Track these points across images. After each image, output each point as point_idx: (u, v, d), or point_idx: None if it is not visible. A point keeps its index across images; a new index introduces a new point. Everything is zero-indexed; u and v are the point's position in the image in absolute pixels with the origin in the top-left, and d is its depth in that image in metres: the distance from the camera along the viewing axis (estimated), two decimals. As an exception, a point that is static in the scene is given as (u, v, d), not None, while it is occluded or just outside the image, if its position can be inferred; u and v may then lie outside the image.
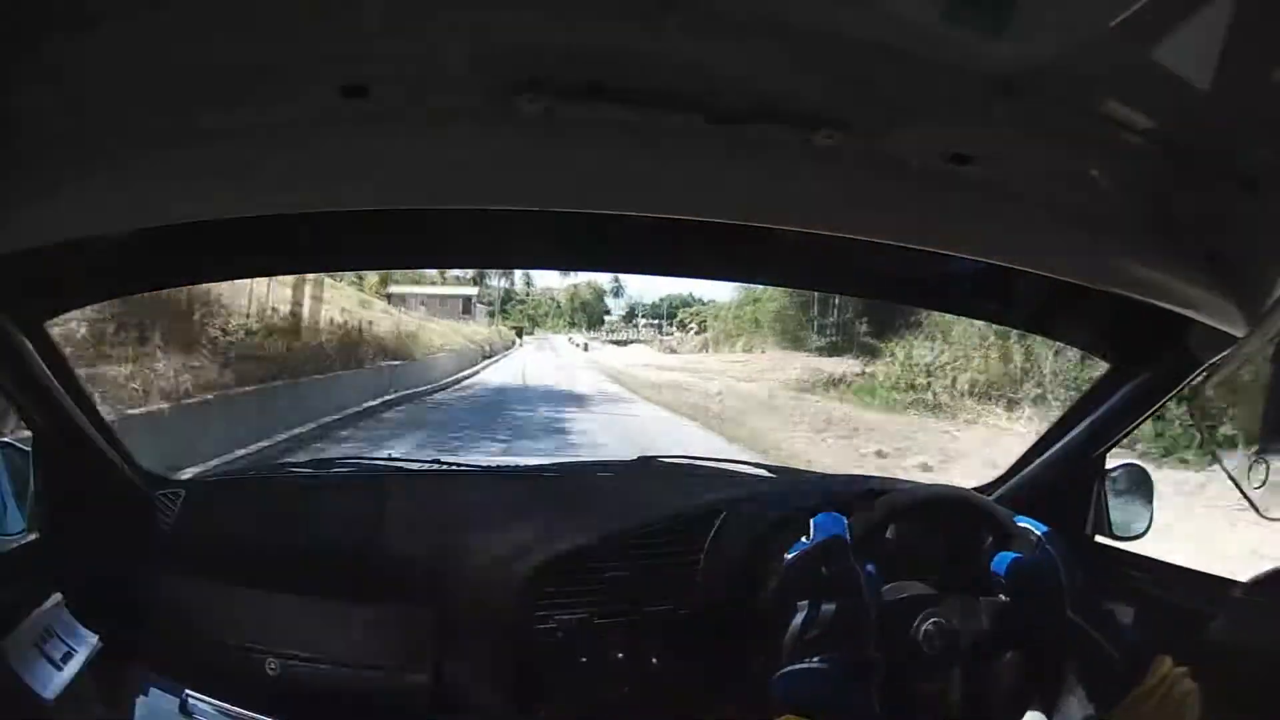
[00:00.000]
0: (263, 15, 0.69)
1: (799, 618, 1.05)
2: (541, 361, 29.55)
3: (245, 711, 1.31)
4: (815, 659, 1.02)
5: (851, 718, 1.00)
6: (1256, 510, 0.75)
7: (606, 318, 55.81)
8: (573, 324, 54.37)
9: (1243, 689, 1.03)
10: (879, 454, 9.76)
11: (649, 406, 14.85)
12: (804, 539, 1.11)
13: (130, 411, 6.48)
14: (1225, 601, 1.08)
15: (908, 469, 8.37)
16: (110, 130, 0.79)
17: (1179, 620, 1.23)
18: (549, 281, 57.44)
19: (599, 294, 54.56)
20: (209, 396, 7.87)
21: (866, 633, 1.04)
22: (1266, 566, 0.92)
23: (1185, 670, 0.98)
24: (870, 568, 1.10)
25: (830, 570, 1.07)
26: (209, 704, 1.30)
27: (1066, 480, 1.51)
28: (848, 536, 1.10)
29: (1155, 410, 1.38)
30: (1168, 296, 0.94)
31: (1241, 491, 0.75)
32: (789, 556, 1.10)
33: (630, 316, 52.63)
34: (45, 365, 1.20)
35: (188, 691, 1.30)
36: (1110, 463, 1.51)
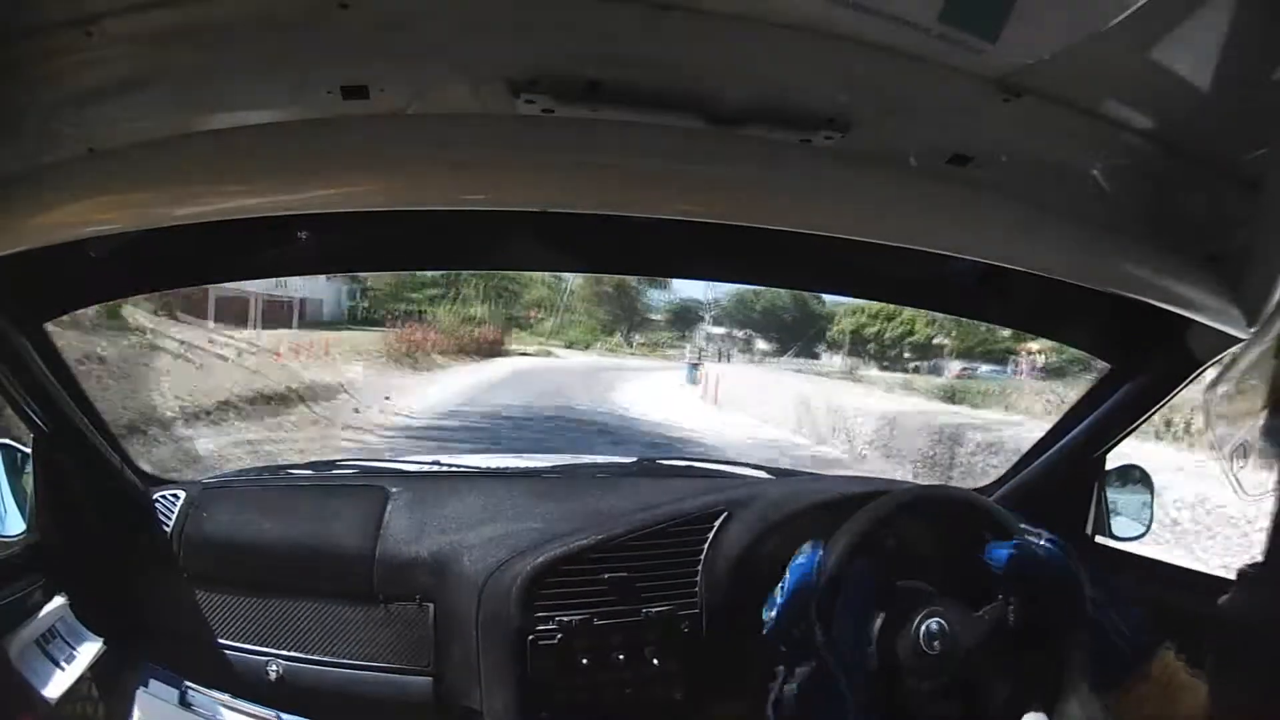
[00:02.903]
0: (263, 16, 0.69)
1: (788, 688, 1.06)
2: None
3: (244, 704, 1.31)
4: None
5: None
6: (1237, 488, 0.77)
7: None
8: (599, 328, 30.29)
9: (1243, 686, 1.03)
10: None
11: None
12: (779, 590, 1.12)
13: None
14: (1224, 601, 1.08)
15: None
16: (110, 130, 0.79)
17: (1179, 620, 1.23)
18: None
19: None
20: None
21: (858, 682, 1.04)
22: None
23: (1183, 662, 0.99)
24: (856, 598, 1.10)
25: (804, 630, 1.08)
26: (208, 696, 1.31)
27: (1066, 480, 1.51)
28: (819, 579, 1.11)
29: (1155, 410, 1.38)
30: (1168, 297, 0.94)
31: (1227, 471, 0.77)
32: (767, 618, 1.12)
33: (682, 322, 29.53)
34: (45, 365, 1.20)
35: (187, 683, 1.31)
36: (1110, 463, 1.51)
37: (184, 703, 1.30)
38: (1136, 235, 0.94)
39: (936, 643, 1.10)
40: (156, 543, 1.41)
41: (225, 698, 1.32)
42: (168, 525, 1.41)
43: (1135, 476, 1.54)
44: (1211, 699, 0.88)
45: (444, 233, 1.23)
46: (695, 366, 21.93)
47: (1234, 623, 0.85)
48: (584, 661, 1.25)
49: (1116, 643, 1.07)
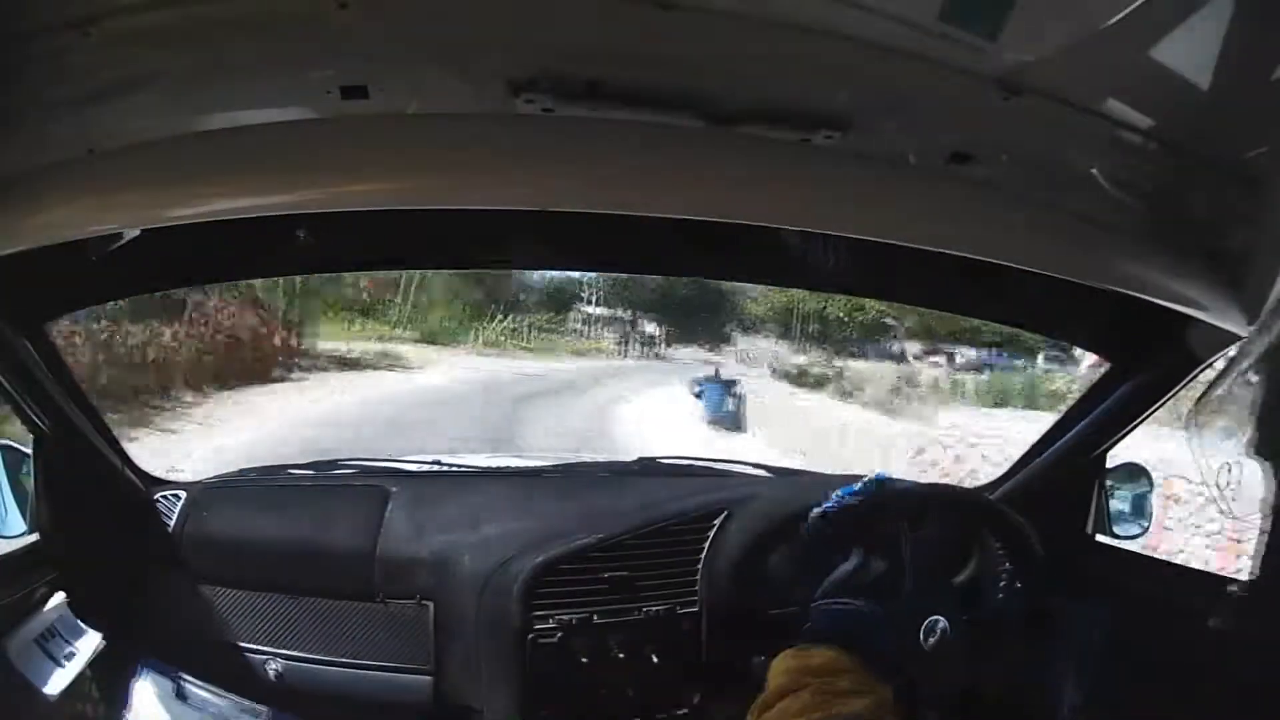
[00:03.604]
0: (263, 16, 0.69)
1: (851, 562, 1.07)
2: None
3: (238, 698, 1.32)
4: (860, 600, 1.04)
5: (890, 659, 1.02)
6: (1224, 509, 0.76)
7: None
8: (471, 311, 16.83)
9: (1241, 686, 1.03)
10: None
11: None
12: (839, 493, 1.13)
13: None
14: (1224, 600, 1.09)
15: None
16: (110, 130, 0.79)
17: (1179, 620, 1.23)
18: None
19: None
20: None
21: (907, 583, 1.07)
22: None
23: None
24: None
25: (878, 524, 1.10)
26: (203, 689, 1.31)
27: (1066, 480, 1.52)
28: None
29: (1156, 409, 1.38)
30: (1168, 296, 0.94)
31: (1213, 488, 0.77)
32: (839, 497, 1.13)
33: (561, 302, 18.12)
34: (45, 365, 1.20)
35: (182, 676, 1.31)
36: (1110, 462, 1.51)
37: (180, 696, 1.31)
38: (1136, 233, 0.94)
39: (933, 640, 1.10)
40: (157, 542, 1.41)
41: (219, 691, 1.32)
42: (168, 525, 1.41)
43: (1135, 476, 1.54)
44: (1211, 703, 0.88)
45: (444, 233, 1.23)
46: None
47: (1232, 631, 0.85)
48: (584, 660, 1.25)
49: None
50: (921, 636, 1.11)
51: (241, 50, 0.73)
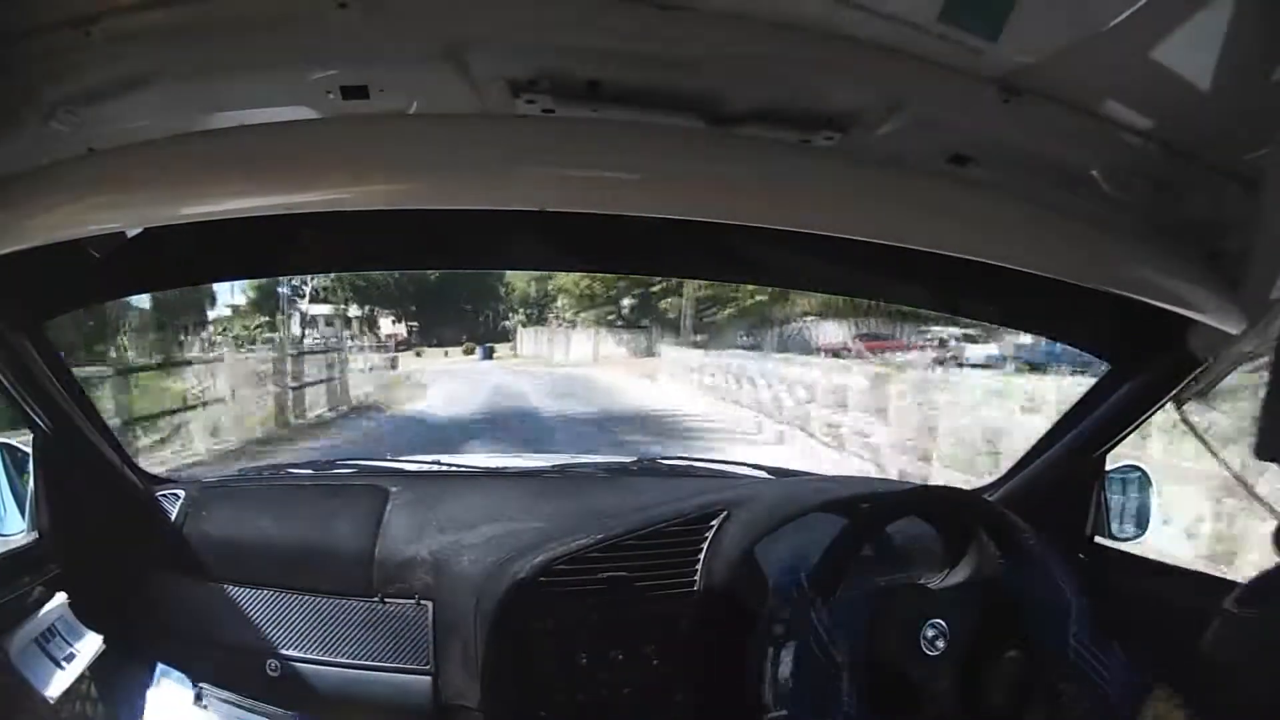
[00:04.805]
0: (263, 16, 0.69)
1: (766, 669, 1.07)
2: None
3: (257, 703, 1.32)
4: (783, 711, 1.03)
5: None
6: (1257, 499, 0.76)
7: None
8: None
9: (1241, 688, 1.03)
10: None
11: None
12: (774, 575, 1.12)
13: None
14: (1225, 601, 1.09)
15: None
16: (110, 130, 0.79)
17: (1178, 620, 1.23)
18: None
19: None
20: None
21: (832, 679, 1.04)
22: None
23: (1179, 704, 0.98)
24: (837, 608, 1.10)
25: (788, 622, 1.08)
26: (223, 696, 1.31)
27: (1066, 480, 1.51)
28: (804, 581, 1.10)
29: (1155, 410, 1.38)
30: (1168, 296, 0.94)
31: (1242, 483, 0.77)
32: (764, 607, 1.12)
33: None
34: (45, 365, 1.20)
35: (202, 685, 1.31)
36: (1110, 463, 1.51)
37: (198, 702, 1.31)
38: (1136, 235, 0.94)
39: (941, 642, 1.10)
40: (156, 542, 1.41)
41: (238, 698, 1.33)
42: (168, 524, 1.41)
43: (1135, 476, 1.54)
44: (1212, 706, 0.88)
45: (444, 233, 1.23)
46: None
47: (1232, 631, 0.85)
48: (583, 661, 1.25)
49: (1100, 686, 1.08)
50: (920, 640, 1.11)
51: (241, 50, 0.73)
